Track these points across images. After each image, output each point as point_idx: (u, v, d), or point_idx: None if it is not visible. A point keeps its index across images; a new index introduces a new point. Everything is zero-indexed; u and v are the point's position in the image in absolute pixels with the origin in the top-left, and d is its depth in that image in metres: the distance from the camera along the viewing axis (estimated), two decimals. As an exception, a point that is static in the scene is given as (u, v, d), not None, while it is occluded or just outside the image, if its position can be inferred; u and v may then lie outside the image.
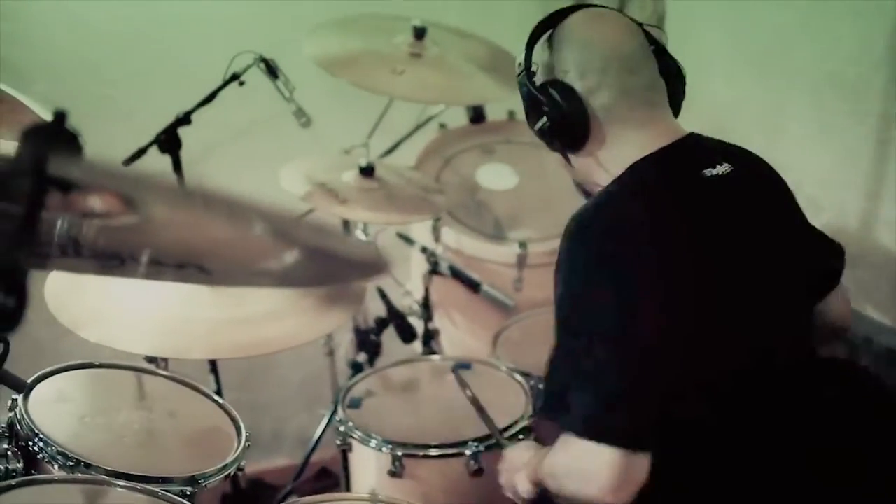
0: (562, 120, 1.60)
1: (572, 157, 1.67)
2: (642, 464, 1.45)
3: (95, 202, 0.95)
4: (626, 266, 1.49)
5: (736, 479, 1.56)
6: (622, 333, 1.47)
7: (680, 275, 1.50)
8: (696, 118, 1.69)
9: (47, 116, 1.44)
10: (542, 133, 1.64)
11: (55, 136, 0.90)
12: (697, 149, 1.63)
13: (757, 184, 1.66)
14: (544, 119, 1.61)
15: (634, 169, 1.58)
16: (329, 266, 1.11)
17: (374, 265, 1.04)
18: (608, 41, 1.62)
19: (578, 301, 1.51)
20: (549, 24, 1.64)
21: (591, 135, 1.61)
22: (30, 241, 0.89)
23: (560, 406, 1.51)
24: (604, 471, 1.44)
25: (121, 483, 1.60)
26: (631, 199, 1.56)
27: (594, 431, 1.45)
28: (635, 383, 1.46)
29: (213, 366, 2.61)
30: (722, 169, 1.58)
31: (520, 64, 1.66)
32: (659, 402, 1.47)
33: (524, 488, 1.69)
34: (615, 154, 1.60)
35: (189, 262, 1.09)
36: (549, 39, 1.64)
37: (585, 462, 1.47)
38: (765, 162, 1.70)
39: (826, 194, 2.41)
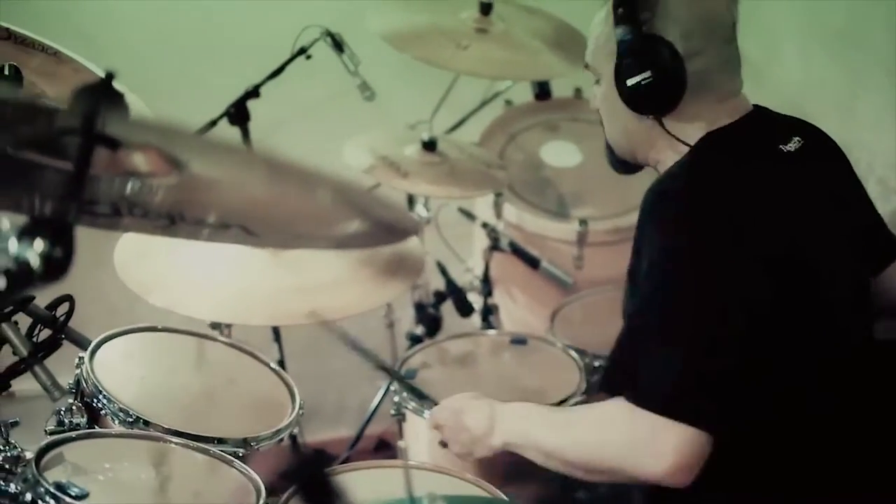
0: (663, 79, 1.54)
1: (636, 121, 1.60)
2: (708, 444, 1.41)
3: (141, 161, 0.98)
4: (711, 237, 1.47)
5: (806, 459, 1.54)
6: (709, 307, 1.44)
7: (764, 250, 1.47)
8: (768, 96, 1.68)
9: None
10: (634, 90, 1.55)
11: (104, 95, 0.93)
12: (770, 124, 1.63)
13: (824, 159, 1.65)
14: (647, 74, 1.53)
15: (711, 141, 1.56)
16: (372, 229, 1.13)
17: (407, 227, 1.07)
18: (713, 6, 1.59)
19: (662, 272, 1.48)
20: None
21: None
22: (78, 195, 0.93)
23: (625, 380, 1.47)
24: (677, 449, 1.38)
25: (176, 440, 1.66)
26: (716, 170, 1.54)
27: (675, 408, 1.40)
28: (717, 363, 1.43)
29: (277, 335, 2.67)
30: (794, 144, 1.58)
31: (619, 10, 1.56)
32: (739, 384, 1.44)
33: (491, 449, 1.61)
34: (689, 124, 1.58)
35: (234, 223, 1.12)
36: None
37: (654, 438, 1.40)
38: (827, 135, 1.68)
39: (898, 176, 2.35)
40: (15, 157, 0.97)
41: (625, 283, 1.58)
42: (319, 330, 2.64)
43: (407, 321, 2.79)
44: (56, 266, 0.89)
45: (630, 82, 1.55)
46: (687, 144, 1.58)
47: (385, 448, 2.88)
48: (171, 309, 1.95)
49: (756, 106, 1.64)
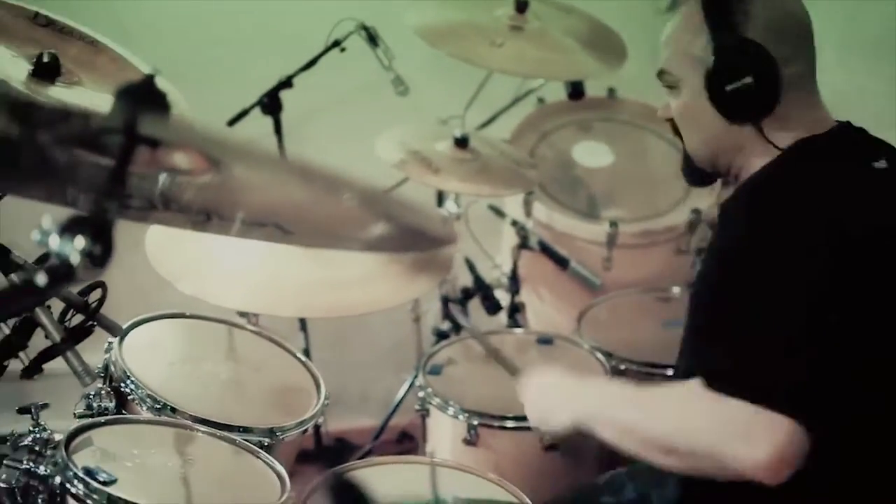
0: (763, 84, 1.51)
1: (726, 128, 1.56)
2: (805, 439, 1.32)
3: (181, 159, 1.00)
4: (804, 230, 1.42)
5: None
6: (801, 296, 1.38)
7: (851, 265, 1.42)
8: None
9: (146, 70, 1.51)
10: (732, 96, 1.52)
11: (146, 95, 0.95)
12: (860, 139, 1.59)
13: None
14: (748, 79, 1.51)
15: (804, 149, 1.53)
16: (405, 236, 1.14)
17: (445, 237, 1.08)
18: (801, 12, 1.58)
19: (751, 255, 1.44)
20: None
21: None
22: (118, 192, 0.94)
23: (697, 364, 1.42)
24: (772, 440, 1.31)
25: (203, 429, 1.68)
26: (806, 172, 1.51)
27: (769, 396, 1.32)
28: (809, 352, 1.37)
29: (303, 324, 2.69)
30: (882, 163, 1.54)
31: (713, 14, 1.53)
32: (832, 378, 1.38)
33: (561, 424, 1.55)
34: (782, 130, 1.54)
35: (269, 222, 1.13)
36: None
37: (747, 428, 1.32)
38: None
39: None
40: (54, 153, 0.99)
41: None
42: (345, 321, 2.66)
43: (434, 314, 2.80)
44: (95, 262, 0.90)
45: (729, 88, 1.52)
46: (778, 148, 1.54)
47: (407, 440, 2.90)
48: (200, 297, 1.97)
49: (839, 122, 1.60)
